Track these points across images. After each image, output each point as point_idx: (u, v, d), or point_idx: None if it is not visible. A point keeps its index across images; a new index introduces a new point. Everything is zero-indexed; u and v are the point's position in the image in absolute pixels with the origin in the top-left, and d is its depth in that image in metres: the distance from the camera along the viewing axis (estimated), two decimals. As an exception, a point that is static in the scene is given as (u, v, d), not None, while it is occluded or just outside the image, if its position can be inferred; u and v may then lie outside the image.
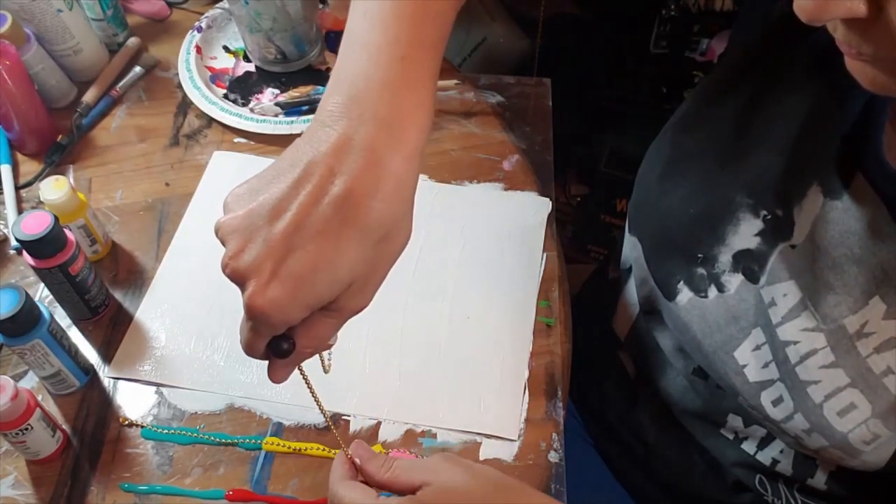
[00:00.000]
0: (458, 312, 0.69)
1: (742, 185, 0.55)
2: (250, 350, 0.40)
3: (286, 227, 0.37)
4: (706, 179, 0.57)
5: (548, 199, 0.77)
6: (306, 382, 0.47)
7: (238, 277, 0.38)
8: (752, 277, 0.54)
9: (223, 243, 0.39)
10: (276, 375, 0.42)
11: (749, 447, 0.61)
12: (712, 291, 0.56)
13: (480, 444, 0.62)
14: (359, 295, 0.40)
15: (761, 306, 0.53)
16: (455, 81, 0.85)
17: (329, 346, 0.43)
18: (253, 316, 0.37)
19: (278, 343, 0.40)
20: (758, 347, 0.53)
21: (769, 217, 0.53)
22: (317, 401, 0.49)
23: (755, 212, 0.54)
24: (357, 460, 0.49)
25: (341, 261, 0.37)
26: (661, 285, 0.60)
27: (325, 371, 0.50)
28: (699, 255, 0.56)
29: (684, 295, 0.57)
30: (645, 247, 0.62)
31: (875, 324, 0.48)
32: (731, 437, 0.62)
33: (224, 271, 0.38)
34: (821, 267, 0.51)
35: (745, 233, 0.54)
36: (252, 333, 0.39)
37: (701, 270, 0.56)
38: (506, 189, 0.78)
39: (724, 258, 0.55)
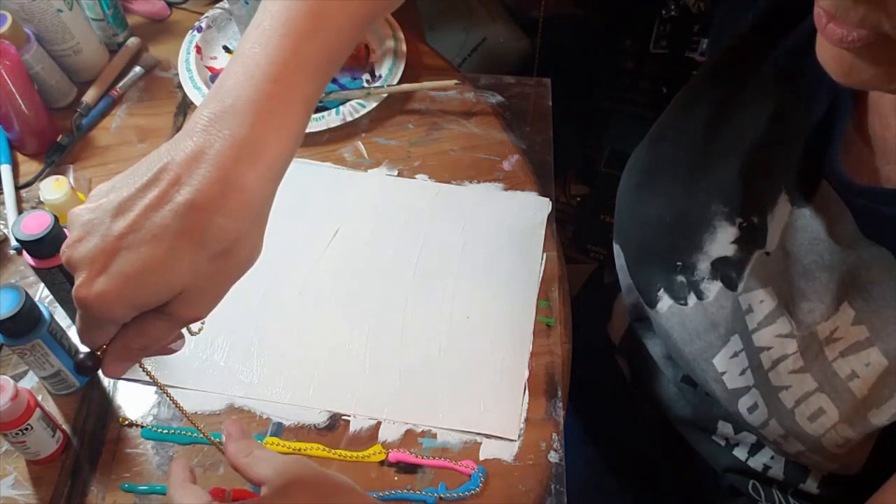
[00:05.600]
0: (458, 312, 0.69)
1: (716, 193, 0.55)
2: (81, 341, 0.42)
3: (124, 227, 0.37)
4: (681, 188, 0.57)
5: (548, 199, 0.77)
6: (153, 379, 0.48)
7: (71, 266, 0.39)
8: (731, 284, 0.53)
9: (69, 231, 0.40)
10: (107, 370, 0.43)
11: (740, 453, 0.61)
12: (692, 299, 0.55)
13: (480, 444, 0.62)
14: (193, 304, 0.40)
15: (739, 313, 0.53)
16: (455, 81, 0.85)
17: (174, 350, 0.44)
18: (79, 306, 0.39)
19: (84, 360, 0.42)
20: (735, 354, 0.53)
21: (745, 224, 0.53)
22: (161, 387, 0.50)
23: (730, 219, 0.54)
24: (225, 436, 0.51)
25: (172, 268, 0.38)
26: (643, 293, 0.60)
27: (192, 333, 0.49)
28: (678, 263, 0.56)
29: (664, 303, 0.57)
30: (627, 255, 0.62)
31: (844, 329, 0.48)
32: (722, 443, 0.62)
33: (61, 258, 0.39)
34: (793, 274, 0.51)
35: (722, 240, 0.54)
36: (81, 323, 0.40)
37: (680, 278, 0.56)
38: (506, 189, 0.78)
39: (703, 265, 0.55)
